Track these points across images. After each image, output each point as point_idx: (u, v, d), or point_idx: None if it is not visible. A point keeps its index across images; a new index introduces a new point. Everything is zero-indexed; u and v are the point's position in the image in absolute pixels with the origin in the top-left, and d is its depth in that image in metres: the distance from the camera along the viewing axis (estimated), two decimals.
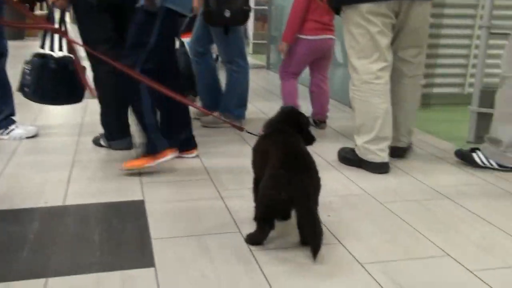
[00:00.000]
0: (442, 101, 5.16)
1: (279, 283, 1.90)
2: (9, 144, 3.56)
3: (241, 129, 2.55)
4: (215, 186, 2.83)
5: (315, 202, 2.07)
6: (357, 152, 3.18)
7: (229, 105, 4.18)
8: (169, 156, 3.03)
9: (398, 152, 3.35)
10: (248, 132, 2.49)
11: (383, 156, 3.10)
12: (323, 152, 3.45)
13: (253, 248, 2.14)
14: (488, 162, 3.21)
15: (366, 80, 2.99)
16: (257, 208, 2.14)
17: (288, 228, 2.27)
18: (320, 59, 4.10)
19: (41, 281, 1.90)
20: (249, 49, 9.45)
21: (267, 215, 2.11)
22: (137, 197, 2.70)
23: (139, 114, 2.98)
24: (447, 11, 5.00)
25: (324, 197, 2.29)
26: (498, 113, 3.20)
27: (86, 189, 2.80)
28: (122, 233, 2.29)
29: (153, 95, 2.92)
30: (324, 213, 2.27)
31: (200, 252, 2.12)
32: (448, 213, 2.54)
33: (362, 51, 2.98)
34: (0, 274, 1.94)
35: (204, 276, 1.94)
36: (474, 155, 3.26)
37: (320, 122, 4.23)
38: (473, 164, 3.25)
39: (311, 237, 2.00)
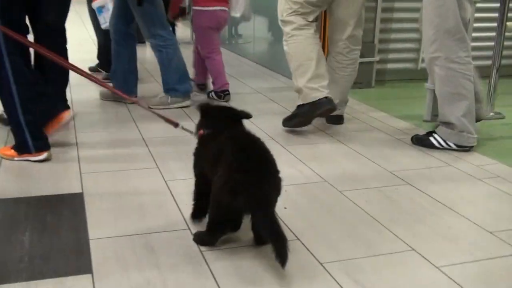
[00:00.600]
0: (396, 77, 5.05)
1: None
2: None
3: (175, 125, 2.24)
4: (162, 176, 2.60)
5: (274, 206, 1.85)
6: (301, 98, 3.31)
7: (172, 83, 3.94)
8: (41, 157, 2.78)
9: (337, 119, 3.60)
10: (184, 129, 2.20)
11: (326, 92, 3.22)
12: (267, 128, 3.30)
13: (203, 248, 1.94)
14: (446, 143, 3.11)
15: (298, 28, 3.23)
16: (210, 213, 1.93)
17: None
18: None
19: None
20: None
21: (221, 222, 1.91)
22: (74, 189, 2.44)
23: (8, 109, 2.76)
24: None
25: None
26: (439, 95, 3.11)
27: (15, 179, 2.52)
28: (56, 233, 2.04)
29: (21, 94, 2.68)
30: (280, 204, 2.08)
31: (145, 255, 1.90)
32: (411, 201, 2.41)
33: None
34: None
35: (149, 284, 1.73)
36: (431, 138, 3.15)
37: (224, 93, 4.23)
38: (432, 147, 3.13)
39: (276, 247, 1.73)
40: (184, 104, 3.95)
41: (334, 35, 3.45)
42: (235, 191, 1.77)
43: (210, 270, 1.81)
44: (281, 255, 1.71)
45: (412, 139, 3.24)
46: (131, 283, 1.73)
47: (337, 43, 3.44)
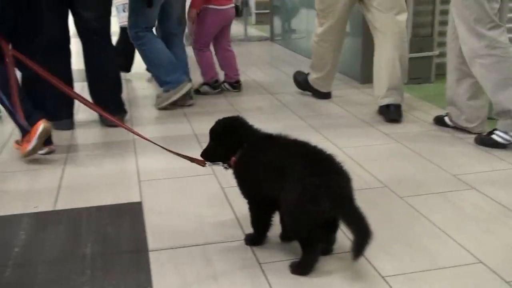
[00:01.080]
0: None
1: None
2: None
3: (202, 163, 2.07)
4: (219, 183, 2.59)
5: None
6: (310, 81, 4.22)
7: (162, 77, 4.01)
8: (40, 128, 2.78)
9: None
10: (214, 164, 2.05)
11: (328, 88, 4.17)
12: (321, 128, 3.22)
13: (261, 260, 1.92)
14: (510, 136, 2.96)
15: (321, 39, 3.96)
16: (298, 233, 1.81)
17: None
18: (225, 27, 4.37)
19: None
20: (251, 20, 9.09)
21: (312, 235, 1.78)
22: (134, 198, 2.47)
23: None
24: None
25: None
26: (489, 85, 2.97)
27: (76, 189, 2.58)
28: (116, 244, 2.07)
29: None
30: None
31: (203, 267, 1.90)
32: (477, 208, 2.30)
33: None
34: None
35: None
36: (494, 136, 3.00)
37: (237, 83, 4.49)
38: (497, 146, 2.98)
39: (359, 241, 1.71)
40: (182, 91, 3.93)
41: None
42: (317, 196, 1.70)
43: (268, 283, 1.79)
44: (359, 249, 1.71)
45: (476, 139, 3.10)
46: None
47: None
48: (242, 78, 4.59)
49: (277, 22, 7.21)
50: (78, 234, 2.16)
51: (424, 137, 3.25)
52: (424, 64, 4.57)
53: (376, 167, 2.75)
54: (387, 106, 3.57)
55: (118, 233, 2.16)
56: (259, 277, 1.83)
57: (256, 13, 9.21)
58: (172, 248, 2.03)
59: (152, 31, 4.03)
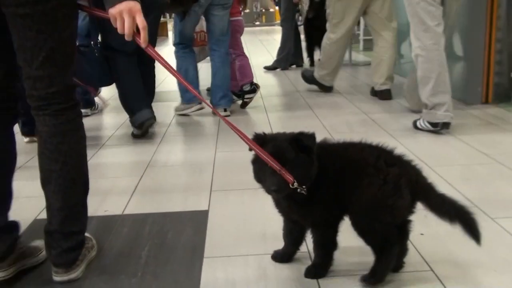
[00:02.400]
0: None
1: None
2: None
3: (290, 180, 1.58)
4: None
5: None
6: (316, 77, 5.09)
7: (181, 91, 4.37)
8: None
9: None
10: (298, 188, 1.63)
11: (331, 83, 5.10)
12: (411, 146, 2.95)
13: None
14: (424, 123, 3.52)
15: (332, 42, 4.86)
16: (376, 234, 1.63)
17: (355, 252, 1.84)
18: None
19: None
20: (358, 46, 8.91)
21: (390, 235, 1.63)
22: (201, 207, 2.40)
23: None
24: None
25: (417, 209, 1.81)
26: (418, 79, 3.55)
27: (150, 195, 2.57)
28: (173, 249, 2.00)
29: None
30: (417, 230, 1.80)
31: (256, 276, 1.77)
32: None
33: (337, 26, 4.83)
34: None
35: None
36: (417, 123, 3.58)
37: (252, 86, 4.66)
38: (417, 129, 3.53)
39: (466, 222, 1.59)
40: (192, 109, 4.35)
41: None
42: (400, 187, 1.57)
43: None
44: (474, 230, 1.58)
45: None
46: None
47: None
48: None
49: None
50: (140, 236, 2.12)
51: None
52: None
53: (470, 188, 2.46)
54: (384, 90, 4.70)
55: (179, 239, 2.09)
56: None
57: (364, 40, 9.01)
58: (228, 256, 1.92)
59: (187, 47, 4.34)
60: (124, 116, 3.89)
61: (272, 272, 1.79)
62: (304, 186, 1.55)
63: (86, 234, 1.94)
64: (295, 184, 1.55)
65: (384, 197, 1.57)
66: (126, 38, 1.61)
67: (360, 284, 1.67)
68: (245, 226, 2.18)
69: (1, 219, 1.81)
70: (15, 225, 1.87)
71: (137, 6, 1.60)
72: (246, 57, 4.77)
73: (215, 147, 3.34)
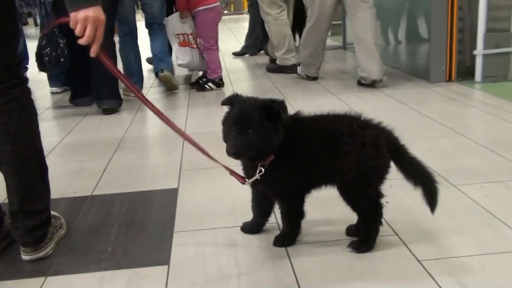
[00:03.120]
0: None
1: (313, 285, 1.53)
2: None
3: (242, 180, 1.76)
4: None
5: None
6: (278, 62, 5.30)
7: None
8: None
9: None
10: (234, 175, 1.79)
11: (293, 60, 5.19)
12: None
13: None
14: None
15: (276, 18, 5.15)
16: (364, 199, 1.66)
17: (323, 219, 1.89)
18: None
19: (39, 280, 1.67)
20: None
21: (378, 203, 1.69)
22: (171, 185, 2.41)
23: None
24: None
25: None
26: None
27: (118, 176, 2.57)
28: (143, 226, 2.01)
29: None
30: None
31: (225, 248, 1.79)
32: None
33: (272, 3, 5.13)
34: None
35: (223, 277, 1.61)
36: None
37: (221, 80, 4.72)
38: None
39: (429, 183, 1.65)
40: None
41: None
42: (378, 146, 1.62)
43: (292, 265, 1.65)
44: (433, 198, 1.64)
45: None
46: (205, 276, 1.62)
47: None
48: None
49: (349, 31, 7.04)
50: (109, 215, 2.12)
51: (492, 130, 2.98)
52: (500, 61, 4.24)
53: (434, 159, 2.52)
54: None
55: (148, 216, 2.10)
56: (283, 258, 1.69)
57: (331, 25, 9.05)
58: (198, 230, 1.94)
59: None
60: None
61: (242, 243, 1.82)
62: (262, 166, 1.62)
63: (54, 213, 1.94)
64: (247, 182, 1.69)
65: (367, 160, 1.61)
66: (82, 43, 1.56)
67: (350, 251, 1.70)
68: (214, 201, 2.20)
69: None
70: None
71: (101, 17, 1.55)
72: (216, 50, 4.71)
73: (184, 126, 3.35)
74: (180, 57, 4.72)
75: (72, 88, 4.41)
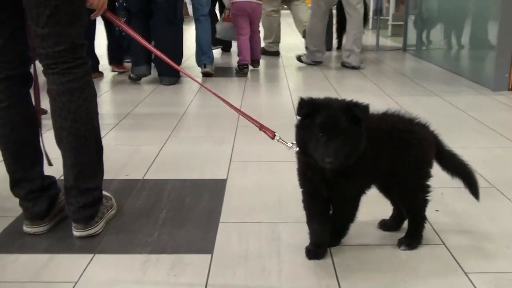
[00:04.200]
0: None
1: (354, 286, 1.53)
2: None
3: (271, 134, 1.85)
4: None
5: None
6: (264, 47, 6.44)
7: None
8: None
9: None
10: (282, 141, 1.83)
11: (277, 49, 6.64)
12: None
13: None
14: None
15: (268, 14, 6.44)
16: (426, 186, 1.73)
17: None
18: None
19: (88, 256, 1.73)
20: (386, 32, 8.81)
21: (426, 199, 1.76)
22: (220, 176, 2.44)
23: None
24: None
25: (434, 187, 1.81)
26: None
27: (169, 163, 2.62)
28: (190, 213, 2.05)
29: None
30: (431, 206, 1.80)
31: (269, 242, 1.80)
32: None
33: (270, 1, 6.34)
34: (48, 245, 1.80)
35: (264, 271, 1.63)
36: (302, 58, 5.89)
37: (243, 66, 5.23)
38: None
39: (467, 171, 1.77)
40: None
41: None
42: (430, 143, 1.71)
43: (334, 265, 1.65)
44: (474, 186, 1.75)
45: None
46: (247, 269, 1.64)
47: None
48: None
49: (410, 33, 6.90)
50: (159, 200, 2.17)
51: None
52: None
53: (487, 169, 2.45)
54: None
55: (196, 204, 2.13)
56: (326, 257, 1.69)
57: (392, 25, 8.91)
58: (244, 222, 1.96)
59: None
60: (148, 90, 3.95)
61: (285, 238, 1.83)
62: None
63: (106, 193, 2.00)
64: (277, 137, 1.79)
65: (424, 153, 1.69)
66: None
67: (404, 249, 1.73)
68: (261, 195, 2.21)
69: (38, 180, 1.88)
70: (53, 182, 1.95)
71: None
72: (244, 36, 5.23)
73: (237, 121, 3.38)
74: (219, 30, 5.48)
75: (132, 56, 4.85)
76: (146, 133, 3.16)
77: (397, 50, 7.09)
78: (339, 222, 1.74)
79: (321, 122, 1.48)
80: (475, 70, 4.76)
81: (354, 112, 1.49)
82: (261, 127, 1.86)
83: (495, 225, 1.90)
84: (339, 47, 6.96)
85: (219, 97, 1.94)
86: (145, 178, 2.43)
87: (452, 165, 1.77)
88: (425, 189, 1.72)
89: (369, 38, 8.04)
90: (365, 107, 1.52)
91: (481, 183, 2.22)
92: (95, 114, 1.84)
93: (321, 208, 1.69)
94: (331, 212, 1.70)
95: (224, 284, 1.55)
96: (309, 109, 1.52)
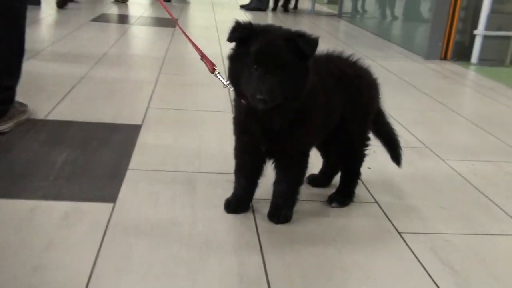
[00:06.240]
0: None
1: (277, 247, 1.33)
2: None
3: (211, 67, 1.61)
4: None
5: None
6: None
7: None
8: None
9: None
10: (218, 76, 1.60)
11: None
12: None
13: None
14: None
15: None
16: (362, 146, 1.57)
17: None
18: None
19: None
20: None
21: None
22: (135, 121, 2.18)
23: None
24: None
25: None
26: None
27: (82, 104, 2.32)
28: (94, 158, 1.78)
29: None
30: (364, 164, 1.64)
31: (183, 193, 1.58)
32: None
33: None
34: None
35: (175, 224, 1.40)
36: None
37: None
38: None
39: (397, 143, 1.66)
40: None
41: None
42: (378, 89, 1.58)
43: (254, 218, 1.45)
44: (397, 155, 1.64)
45: None
46: (154, 222, 1.40)
47: None
48: None
49: (346, 0, 6.77)
50: (60, 143, 1.89)
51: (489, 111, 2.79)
52: (500, 44, 4.04)
53: (423, 131, 2.33)
54: None
55: (103, 149, 1.86)
56: (247, 212, 1.49)
57: None
58: (156, 170, 1.72)
59: None
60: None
61: (202, 191, 1.60)
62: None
63: (21, 101, 2.03)
64: (215, 72, 1.52)
65: (373, 101, 1.54)
66: None
67: (335, 206, 1.56)
68: (178, 144, 1.97)
69: None
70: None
71: None
72: None
73: (160, 68, 3.10)
74: None
75: None
76: (60, 69, 2.82)
77: (332, 16, 6.96)
78: (286, 186, 1.43)
79: (256, 51, 1.19)
80: (408, 38, 4.69)
81: (298, 44, 1.21)
82: (203, 57, 1.62)
83: (429, 185, 1.77)
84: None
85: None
86: (47, 118, 2.12)
87: (381, 124, 1.63)
88: (366, 141, 1.56)
89: (305, 2, 7.85)
90: (313, 40, 1.23)
91: (414, 143, 2.13)
92: (23, 18, 1.90)
93: (254, 162, 1.43)
94: (273, 172, 1.43)
95: (125, 241, 1.30)
96: (243, 33, 1.23)
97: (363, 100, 1.49)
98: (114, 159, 1.78)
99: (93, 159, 1.76)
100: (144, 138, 1.99)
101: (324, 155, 1.68)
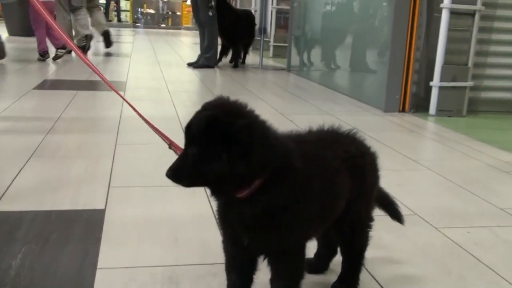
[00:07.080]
0: (492, 108, 4.35)
1: None
2: None
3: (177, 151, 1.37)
4: (208, 197, 2.06)
5: None
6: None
7: None
8: None
9: None
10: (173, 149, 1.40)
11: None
12: None
13: None
14: None
15: None
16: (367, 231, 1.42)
17: None
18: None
19: None
20: (268, 53, 8.70)
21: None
22: (97, 205, 1.95)
23: None
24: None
25: None
26: None
27: (32, 188, 2.07)
28: (56, 258, 1.54)
29: None
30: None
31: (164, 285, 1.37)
32: None
33: None
34: None
35: None
36: None
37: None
38: None
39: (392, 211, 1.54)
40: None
41: None
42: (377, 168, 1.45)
43: None
44: (398, 215, 1.53)
45: None
46: None
47: None
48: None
49: (294, 54, 6.79)
50: (12, 240, 1.64)
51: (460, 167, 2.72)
52: (456, 95, 4.07)
53: (407, 195, 2.21)
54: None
55: (65, 243, 1.63)
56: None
57: (274, 46, 8.83)
58: (129, 268, 1.50)
59: None
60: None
61: (188, 281, 1.40)
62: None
63: None
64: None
65: (376, 180, 1.43)
66: None
67: None
68: (150, 230, 1.76)
69: None
70: None
71: None
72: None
73: (116, 136, 2.89)
74: None
75: None
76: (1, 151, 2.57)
77: (281, 70, 6.95)
78: (283, 284, 1.21)
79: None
80: (367, 92, 4.68)
81: (218, 125, 1.04)
82: (171, 145, 1.39)
83: (428, 258, 1.63)
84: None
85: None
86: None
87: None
88: (371, 222, 1.41)
89: (249, 57, 7.83)
90: (243, 128, 1.03)
91: (402, 210, 1.98)
92: None
93: (244, 257, 1.24)
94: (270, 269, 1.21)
95: None
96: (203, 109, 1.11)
97: (368, 180, 1.36)
98: (79, 256, 1.55)
99: (54, 259, 1.52)
100: (109, 226, 1.77)
101: (319, 237, 1.51)
